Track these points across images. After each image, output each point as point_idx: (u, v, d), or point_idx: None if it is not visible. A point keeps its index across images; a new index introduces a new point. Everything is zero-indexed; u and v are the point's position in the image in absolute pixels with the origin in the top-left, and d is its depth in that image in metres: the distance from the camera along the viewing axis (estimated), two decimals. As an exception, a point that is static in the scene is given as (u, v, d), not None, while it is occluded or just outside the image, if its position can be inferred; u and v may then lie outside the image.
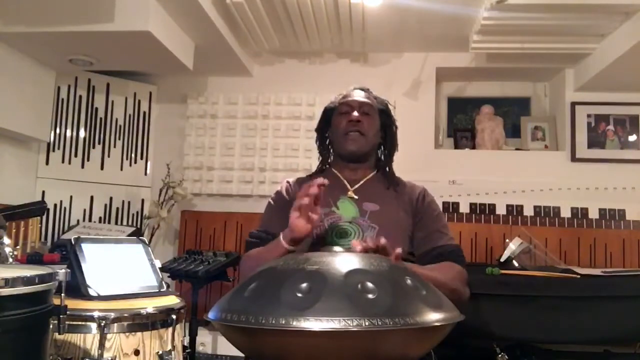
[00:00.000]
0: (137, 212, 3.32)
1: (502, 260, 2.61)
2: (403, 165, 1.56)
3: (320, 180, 1.23)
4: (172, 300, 1.45)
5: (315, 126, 1.63)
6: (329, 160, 1.60)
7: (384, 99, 1.61)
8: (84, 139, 3.16)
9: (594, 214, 3.04)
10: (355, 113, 1.48)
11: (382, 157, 1.58)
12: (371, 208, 1.43)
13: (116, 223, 3.21)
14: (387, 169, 1.56)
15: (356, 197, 1.46)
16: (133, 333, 1.29)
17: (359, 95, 1.55)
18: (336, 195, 1.46)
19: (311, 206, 1.22)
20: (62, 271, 1.05)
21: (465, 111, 3.49)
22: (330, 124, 1.57)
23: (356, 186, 1.49)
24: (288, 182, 1.58)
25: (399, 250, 1.06)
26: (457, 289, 1.32)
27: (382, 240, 1.05)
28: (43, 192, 3.01)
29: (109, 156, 3.23)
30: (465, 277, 1.38)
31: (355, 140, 1.48)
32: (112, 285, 1.37)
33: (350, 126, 1.48)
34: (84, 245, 1.41)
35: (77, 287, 1.31)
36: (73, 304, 1.17)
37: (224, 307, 0.83)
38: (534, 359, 2.32)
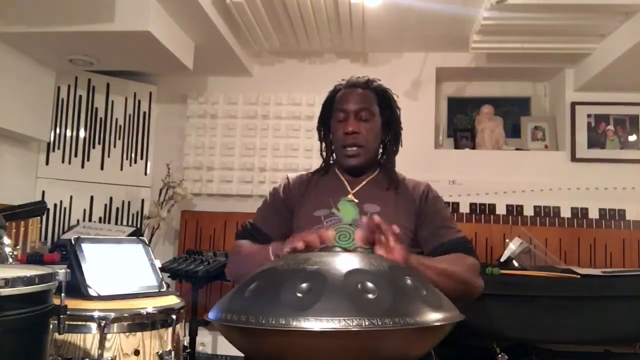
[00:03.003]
0: (137, 212, 3.32)
1: (502, 260, 2.61)
2: (403, 166, 1.55)
3: (324, 232, 1.11)
4: (172, 300, 1.45)
5: (316, 125, 1.59)
6: (330, 162, 1.56)
7: (385, 89, 1.52)
8: (84, 139, 3.16)
9: (594, 214, 3.04)
10: (350, 128, 1.42)
11: (385, 155, 1.53)
12: (372, 209, 1.41)
13: (116, 223, 3.21)
14: (390, 166, 1.52)
15: (356, 200, 1.44)
16: (133, 333, 1.29)
17: (355, 99, 1.46)
18: (336, 197, 1.44)
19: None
20: (62, 271, 1.05)
21: (465, 111, 3.49)
22: (330, 125, 1.52)
23: (357, 187, 1.47)
24: (288, 178, 1.55)
25: (395, 228, 1.03)
26: (470, 280, 1.30)
27: (376, 218, 1.02)
28: (43, 192, 3.01)
29: (109, 156, 3.23)
30: (477, 268, 1.36)
31: (354, 155, 1.44)
32: (112, 285, 1.37)
33: (347, 139, 1.43)
34: (84, 245, 1.41)
35: (77, 287, 1.31)
36: (73, 304, 1.17)
37: (224, 307, 0.83)
38: (534, 359, 2.32)
